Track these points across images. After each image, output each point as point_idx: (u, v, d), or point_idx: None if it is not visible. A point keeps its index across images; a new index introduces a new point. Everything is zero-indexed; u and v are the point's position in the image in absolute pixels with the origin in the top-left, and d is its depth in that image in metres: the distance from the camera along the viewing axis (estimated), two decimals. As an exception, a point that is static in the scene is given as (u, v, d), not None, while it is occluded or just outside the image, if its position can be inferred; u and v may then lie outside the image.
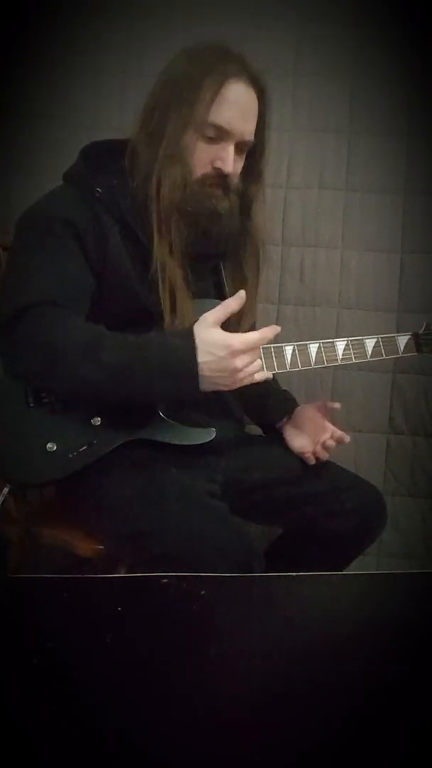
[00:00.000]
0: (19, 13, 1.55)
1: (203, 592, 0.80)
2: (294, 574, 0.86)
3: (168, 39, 1.47)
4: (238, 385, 1.00)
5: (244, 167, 1.13)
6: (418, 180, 1.56)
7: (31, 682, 0.61)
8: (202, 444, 1.12)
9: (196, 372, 0.96)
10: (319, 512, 1.15)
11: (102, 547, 1.08)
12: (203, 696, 0.61)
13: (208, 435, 1.09)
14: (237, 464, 1.17)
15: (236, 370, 0.97)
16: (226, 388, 1.00)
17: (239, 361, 0.96)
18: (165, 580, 0.80)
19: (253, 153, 1.13)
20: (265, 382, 1.27)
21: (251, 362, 0.99)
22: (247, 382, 1.01)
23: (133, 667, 0.64)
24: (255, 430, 1.37)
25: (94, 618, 0.73)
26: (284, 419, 1.26)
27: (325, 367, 1.54)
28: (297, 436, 1.22)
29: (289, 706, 0.60)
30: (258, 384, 1.26)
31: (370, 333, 1.17)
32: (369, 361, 1.15)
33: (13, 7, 1.53)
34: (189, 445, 1.10)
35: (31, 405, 1.08)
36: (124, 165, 1.08)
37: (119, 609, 0.74)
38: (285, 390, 1.32)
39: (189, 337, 0.96)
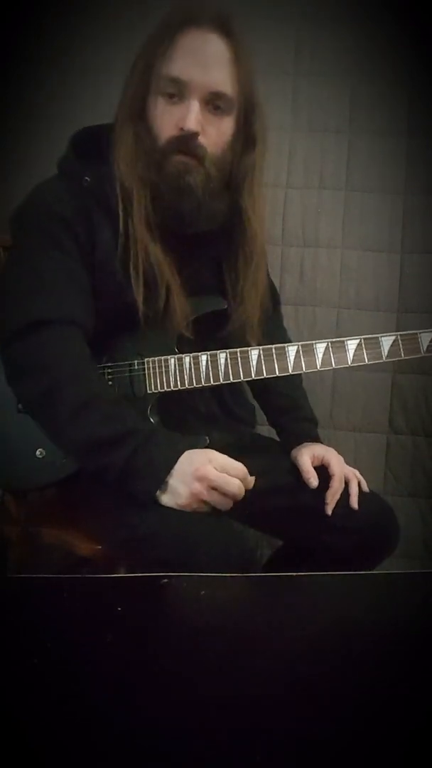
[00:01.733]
0: (19, 13, 1.55)
1: (203, 592, 0.80)
2: (294, 574, 0.86)
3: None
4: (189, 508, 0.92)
5: (234, 134, 1.00)
6: (418, 180, 1.56)
7: (31, 682, 0.61)
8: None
9: (157, 488, 0.91)
10: (320, 526, 1.08)
11: (102, 547, 1.08)
12: (203, 696, 0.61)
13: (201, 443, 1.01)
14: None
15: (195, 495, 0.90)
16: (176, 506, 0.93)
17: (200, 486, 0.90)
18: (165, 580, 0.80)
19: (241, 115, 0.99)
20: (293, 392, 1.22)
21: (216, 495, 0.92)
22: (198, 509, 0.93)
23: (133, 667, 0.64)
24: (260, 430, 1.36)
25: (94, 618, 0.73)
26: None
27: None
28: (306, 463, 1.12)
29: (290, 705, 0.60)
30: (283, 395, 1.20)
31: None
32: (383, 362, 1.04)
33: (13, 6, 1.53)
34: None
35: (21, 411, 1.06)
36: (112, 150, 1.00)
37: (119, 609, 0.74)
38: (310, 409, 1.24)
39: (176, 452, 0.92)
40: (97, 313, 1.03)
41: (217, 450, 0.95)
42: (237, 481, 0.92)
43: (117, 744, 0.54)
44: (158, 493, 0.92)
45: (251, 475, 0.95)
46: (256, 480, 0.96)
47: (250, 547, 1.00)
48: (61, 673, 0.62)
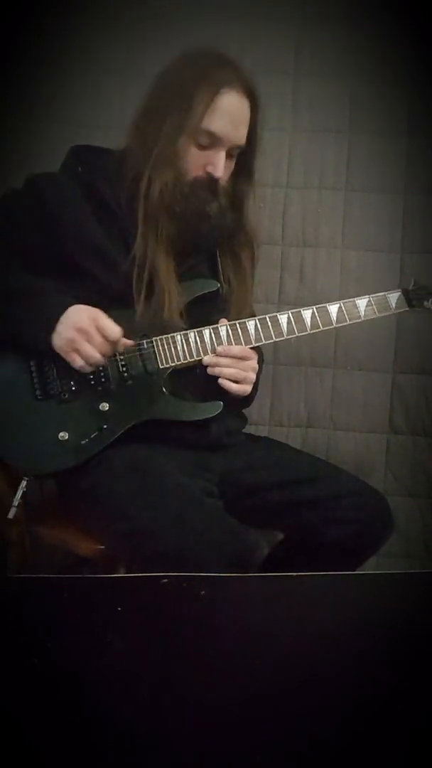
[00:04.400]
0: (19, 13, 1.55)
1: (203, 592, 0.80)
2: (294, 574, 0.86)
3: (168, 39, 1.47)
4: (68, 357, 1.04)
5: (236, 167, 1.18)
6: (418, 180, 1.56)
7: (31, 682, 0.61)
8: (200, 441, 1.13)
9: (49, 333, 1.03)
10: (319, 518, 1.13)
11: (102, 547, 1.08)
12: (203, 695, 0.61)
13: (216, 408, 1.11)
14: (236, 464, 1.17)
15: (73, 341, 1.02)
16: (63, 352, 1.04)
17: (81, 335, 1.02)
18: (165, 580, 0.80)
19: (245, 155, 1.18)
20: None
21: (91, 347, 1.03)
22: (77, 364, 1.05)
23: (133, 667, 0.64)
24: (254, 430, 1.37)
25: (94, 618, 0.73)
26: None
27: (325, 367, 1.57)
28: None
29: (289, 705, 0.60)
30: None
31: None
32: (364, 325, 1.19)
33: (13, 6, 1.53)
34: (187, 443, 1.12)
35: (39, 397, 1.10)
36: (109, 159, 1.15)
37: (119, 609, 0.74)
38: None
39: (65, 305, 1.05)
40: (94, 294, 1.10)
41: (213, 439, 1.12)
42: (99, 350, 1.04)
43: (117, 744, 0.54)
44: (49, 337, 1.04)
45: (258, 470, 1.07)
46: (253, 475, 1.06)
47: (250, 546, 1.01)
48: (61, 673, 0.62)
